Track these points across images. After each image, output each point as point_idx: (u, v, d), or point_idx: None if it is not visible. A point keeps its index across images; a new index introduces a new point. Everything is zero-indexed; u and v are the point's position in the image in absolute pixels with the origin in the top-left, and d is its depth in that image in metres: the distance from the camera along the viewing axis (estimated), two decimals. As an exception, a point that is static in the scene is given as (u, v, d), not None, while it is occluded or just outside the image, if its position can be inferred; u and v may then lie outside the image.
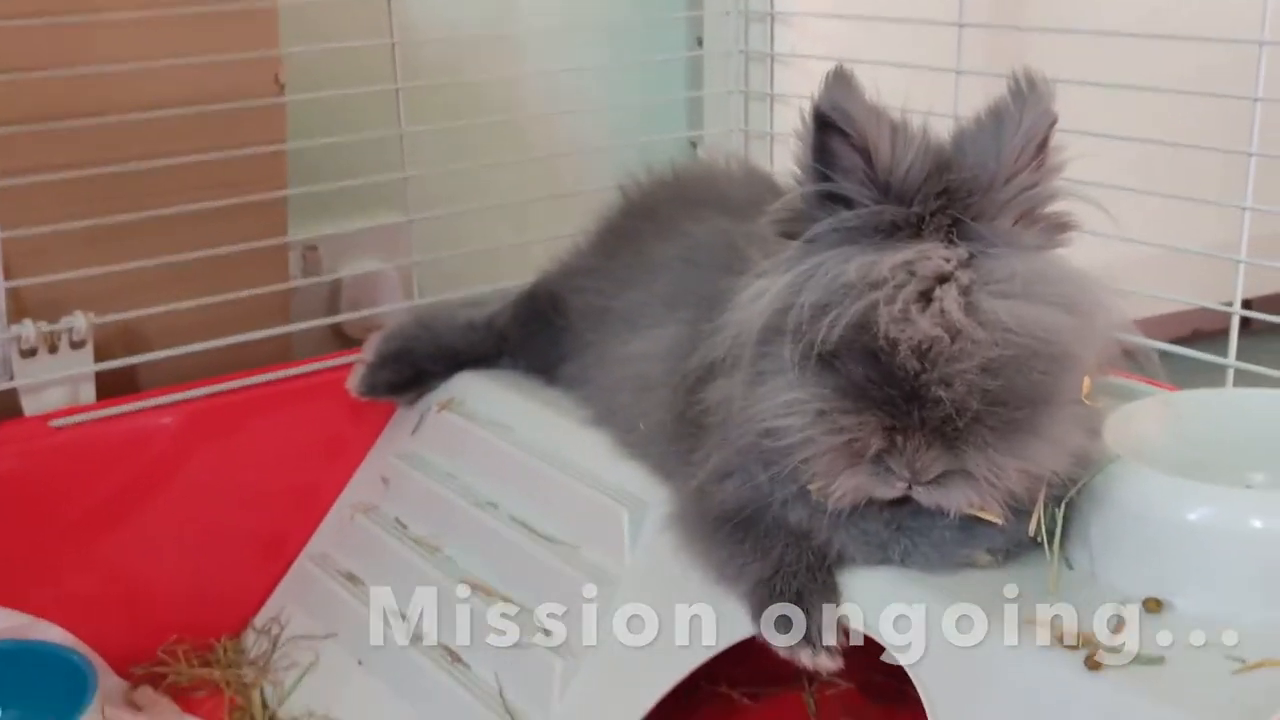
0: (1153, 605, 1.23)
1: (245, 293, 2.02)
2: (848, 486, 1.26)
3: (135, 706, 1.79)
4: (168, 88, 1.89)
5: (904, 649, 1.26)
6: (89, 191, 1.87)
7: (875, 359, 1.22)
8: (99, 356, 1.91)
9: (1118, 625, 1.20)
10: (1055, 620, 1.20)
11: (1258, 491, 1.24)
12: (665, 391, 1.51)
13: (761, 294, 1.31)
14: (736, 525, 1.38)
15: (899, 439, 1.22)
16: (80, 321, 1.86)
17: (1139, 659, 1.14)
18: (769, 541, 1.36)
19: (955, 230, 1.26)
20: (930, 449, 1.22)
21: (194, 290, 1.96)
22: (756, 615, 1.34)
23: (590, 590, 1.54)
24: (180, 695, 1.83)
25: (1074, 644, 1.17)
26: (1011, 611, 1.23)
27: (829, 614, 1.32)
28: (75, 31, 1.83)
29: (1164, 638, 1.18)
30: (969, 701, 1.19)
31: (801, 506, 1.33)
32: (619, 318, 1.71)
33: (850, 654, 1.81)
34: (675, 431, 1.48)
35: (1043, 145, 1.29)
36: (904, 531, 1.31)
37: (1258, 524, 1.21)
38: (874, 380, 1.22)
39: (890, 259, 1.23)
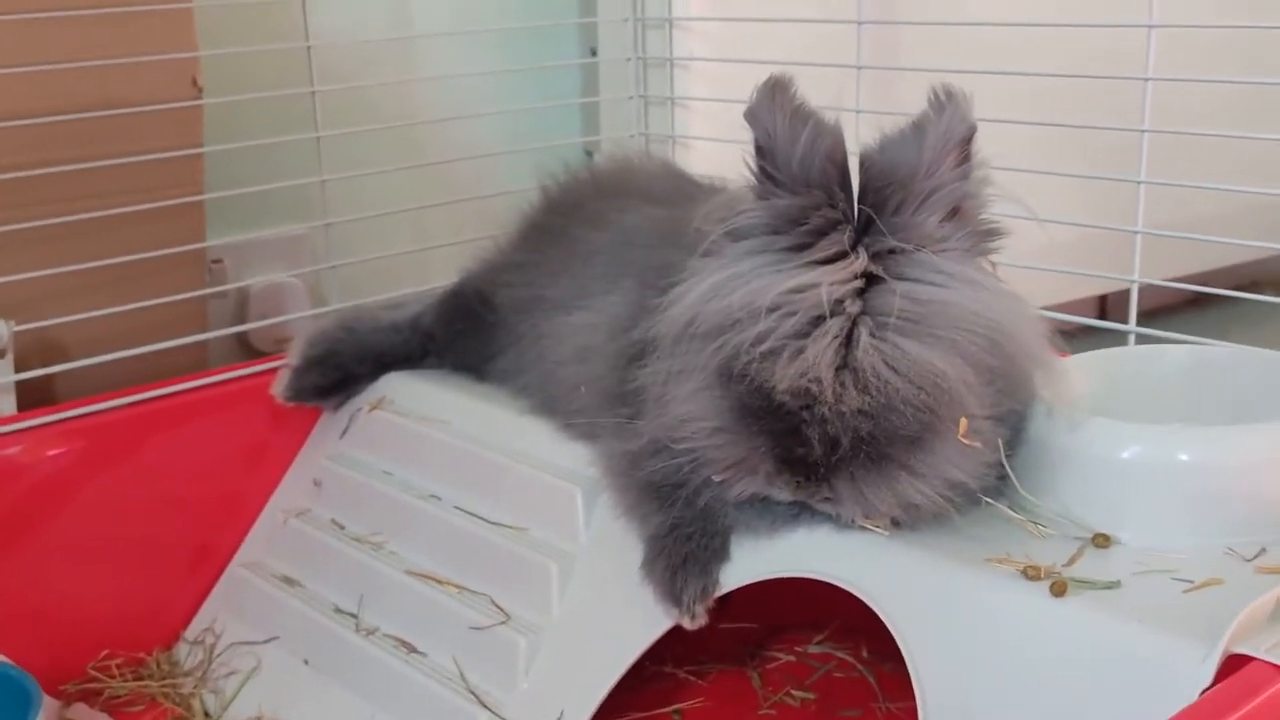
0: (1101, 540, 1.31)
1: (155, 301, 1.98)
2: (746, 490, 1.35)
3: (72, 724, 1.75)
4: (82, 90, 1.86)
5: (873, 593, 1.31)
6: (1, 198, 1.83)
7: (763, 388, 1.28)
8: (17, 369, 1.87)
9: (1071, 558, 1.28)
10: (1014, 555, 1.27)
11: (1183, 427, 1.33)
12: (609, 358, 1.55)
13: (684, 295, 1.36)
14: (659, 491, 1.44)
15: (784, 466, 1.29)
16: (1, 329, 1.81)
17: (1097, 585, 1.22)
18: (673, 500, 1.42)
19: (873, 227, 1.30)
20: (810, 479, 1.29)
21: (112, 299, 1.92)
22: (645, 563, 1.43)
23: (549, 568, 1.56)
24: (116, 711, 1.79)
25: (1036, 576, 1.24)
26: (973, 550, 1.29)
27: (709, 579, 1.39)
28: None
29: (1115, 567, 1.26)
30: (945, 636, 1.25)
31: (709, 490, 1.39)
32: (554, 305, 1.74)
33: (791, 626, 1.91)
34: (618, 396, 1.51)
35: (965, 152, 1.33)
36: (809, 509, 1.36)
37: (1184, 458, 1.30)
38: (763, 407, 1.28)
39: (783, 282, 1.28)
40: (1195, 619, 1.14)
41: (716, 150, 2.30)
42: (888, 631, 1.28)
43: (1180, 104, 1.78)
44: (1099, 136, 1.74)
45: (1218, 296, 1.88)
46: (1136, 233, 1.77)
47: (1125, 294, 1.85)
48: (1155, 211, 1.78)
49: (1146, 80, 1.71)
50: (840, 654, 1.85)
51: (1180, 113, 1.72)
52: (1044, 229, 1.45)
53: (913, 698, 1.24)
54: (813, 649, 1.88)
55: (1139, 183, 1.75)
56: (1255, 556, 1.26)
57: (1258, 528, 1.28)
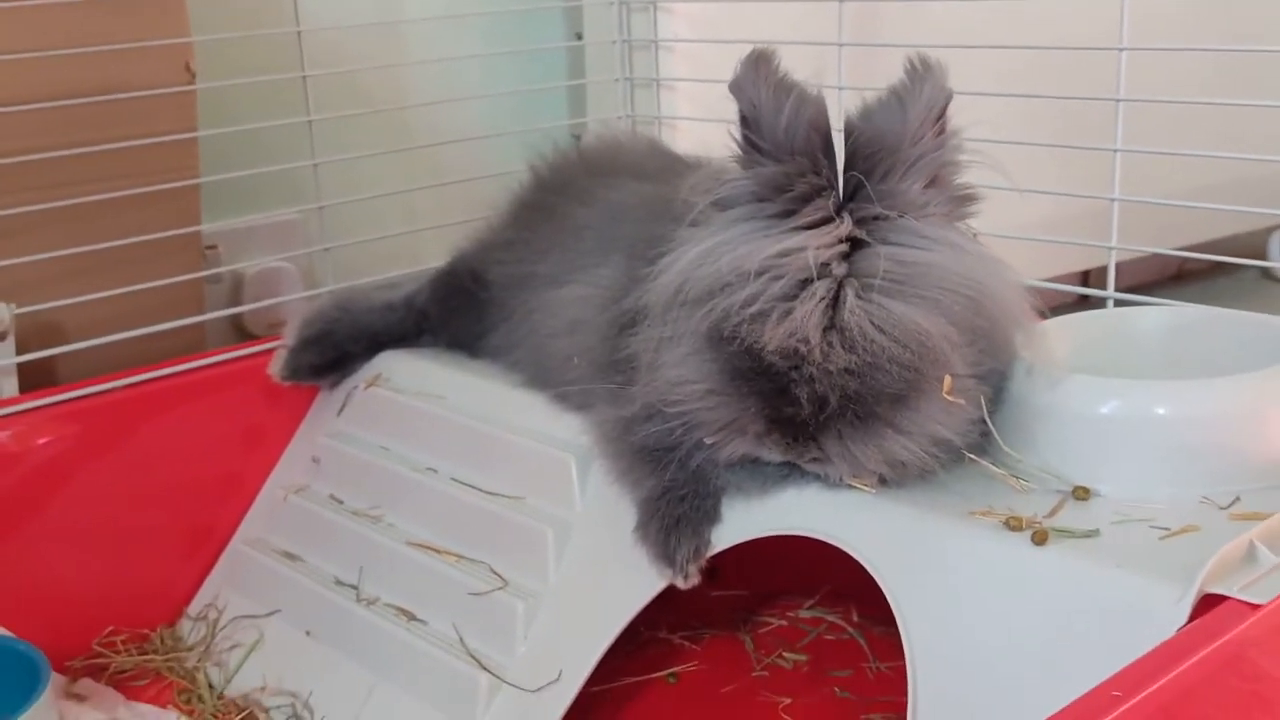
0: (1081, 493, 1.35)
1: (152, 284, 2.01)
2: (736, 452, 1.38)
3: (78, 698, 1.78)
4: (77, 75, 1.89)
5: (862, 548, 1.34)
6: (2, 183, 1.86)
7: (753, 350, 1.31)
8: (18, 352, 1.90)
9: (1052, 510, 1.32)
10: (996, 508, 1.31)
11: (1158, 382, 1.37)
12: (600, 328, 1.58)
13: (673, 263, 1.40)
14: (652, 455, 1.47)
15: (774, 426, 1.33)
16: (2, 312, 1.84)
17: (1077, 533, 1.26)
18: (665, 464, 1.45)
19: (860, 193, 1.34)
20: (799, 439, 1.33)
21: (110, 283, 1.95)
22: (639, 526, 1.46)
23: (546, 535, 1.60)
24: (122, 685, 1.82)
25: (1019, 526, 1.28)
26: (957, 505, 1.33)
27: (701, 540, 1.43)
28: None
29: (1094, 517, 1.30)
30: (931, 586, 1.28)
31: (701, 453, 1.42)
32: (545, 280, 1.77)
33: (783, 593, 1.94)
34: (610, 365, 1.55)
35: (941, 119, 1.37)
36: (798, 469, 1.39)
37: (1161, 411, 1.34)
38: (752, 369, 1.32)
39: (770, 246, 1.31)
40: (1171, 563, 1.18)
41: (702, 130, 2.33)
42: (878, 595, 1.32)
43: (1162, 81, 1.81)
44: (1079, 117, 1.78)
45: (1197, 275, 1.93)
46: (1113, 200, 1.81)
47: (1104, 271, 1.89)
48: (1134, 189, 1.82)
49: (1121, 50, 1.75)
50: (831, 618, 1.89)
51: (1161, 90, 1.75)
52: (1024, 201, 1.48)
53: (902, 659, 1.27)
54: (804, 613, 1.92)
55: (1115, 151, 1.79)
56: (1229, 505, 1.30)
57: (1232, 478, 1.33)
